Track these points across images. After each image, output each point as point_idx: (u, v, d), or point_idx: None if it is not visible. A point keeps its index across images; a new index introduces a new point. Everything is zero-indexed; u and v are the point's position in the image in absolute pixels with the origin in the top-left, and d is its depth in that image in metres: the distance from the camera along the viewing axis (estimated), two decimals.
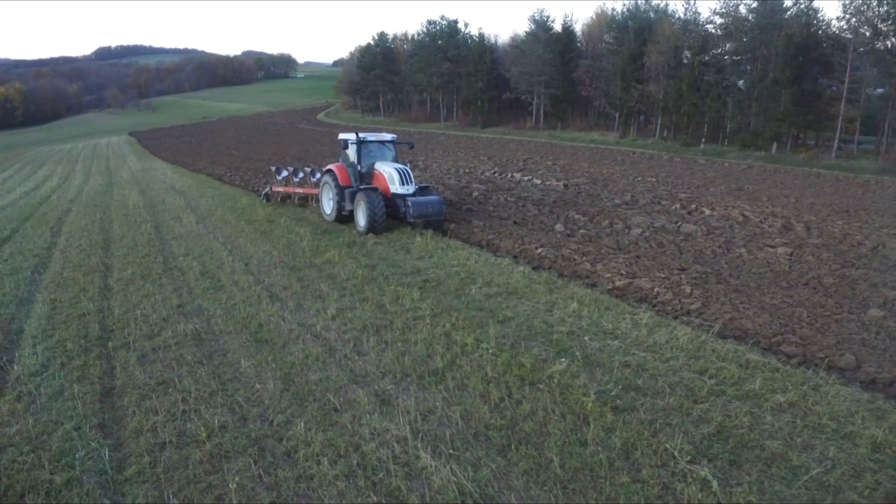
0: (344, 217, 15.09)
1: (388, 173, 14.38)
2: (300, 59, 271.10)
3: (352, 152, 15.39)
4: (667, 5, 44.99)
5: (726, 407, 6.17)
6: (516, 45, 55.06)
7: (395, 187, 14.15)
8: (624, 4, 49.69)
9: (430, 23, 64.68)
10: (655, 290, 9.83)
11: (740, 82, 35.74)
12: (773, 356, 7.56)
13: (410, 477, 5.10)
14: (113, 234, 15.86)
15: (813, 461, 5.25)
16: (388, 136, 16.00)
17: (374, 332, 8.28)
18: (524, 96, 51.68)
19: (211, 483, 5.10)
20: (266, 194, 19.48)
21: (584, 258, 11.65)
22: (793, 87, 31.29)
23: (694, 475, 5.00)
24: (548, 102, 50.23)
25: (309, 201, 18.72)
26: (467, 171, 26.50)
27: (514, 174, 24.48)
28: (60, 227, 17.54)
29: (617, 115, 44.73)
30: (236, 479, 5.06)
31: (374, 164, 15.05)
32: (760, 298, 9.50)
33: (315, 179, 18.56)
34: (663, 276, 10.55)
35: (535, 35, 50.14)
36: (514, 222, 15.19)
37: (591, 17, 57.28)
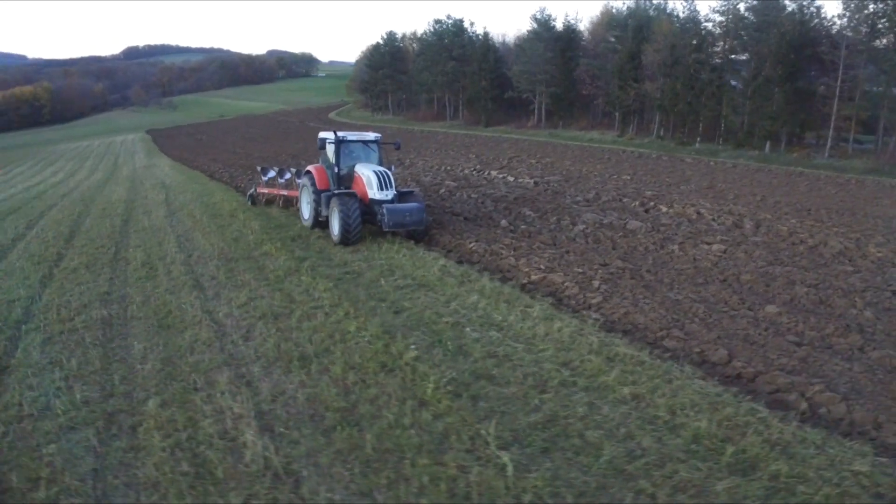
0: (321, 223, 13.81)
1: (367, 176, 13.04)
2: (325, 58, 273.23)
3: (330, 153, 14.12)
4: (666, 4, 44.51)
5: (569, 398, 6.30)
6: (517, 43, 54.97)
7: (373, 192, 12.81)
8: (624, 3, 49.17)
9: (436, 22, 65.13)
10: (566, 284, 9.95)
11: (734, 82, 35.21)
12: (653, 349, 7.64)
13: (227, 451, 5.39)
14: (82, 227, 16.50)
15: (623, 451, 5.35)
16: (371, 136, 14.63)
17: (271, 319, 8.59)
18: (525, 95, 51.65)
19: (45, 451, 5.45)
20: (251, 196, 18.36)
21: (513, 253, 11.79)
22: (785, 85, 30.75)
23: (496, 460, 5.18)
24: (549, 101, 50.15)
25: (294, 204, 17.20)
26: (449, 168, 26.70)
27: (492, 172, 24.62)
28: (38, 221, 18.27)
29: (617, 114, 44.50)
30: (55, 446, 5.43)
31: (354, 166, 13.75)
32: (666, 294, 9.55)
33: (300, 181, 16.45)
34: (581, 271, 10.65)
35: (536, 34, 50.08)
36: (465, 218, 15.37)
37: (597, 16, 56.93)
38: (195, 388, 6.60)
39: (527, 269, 10.76)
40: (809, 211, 16.70)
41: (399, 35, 77.19)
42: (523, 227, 14.09)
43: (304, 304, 9.17)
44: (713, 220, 15.27)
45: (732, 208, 16.54)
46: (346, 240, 12.54)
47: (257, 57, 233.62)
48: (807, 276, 10.62)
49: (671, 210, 16.39)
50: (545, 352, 7.39)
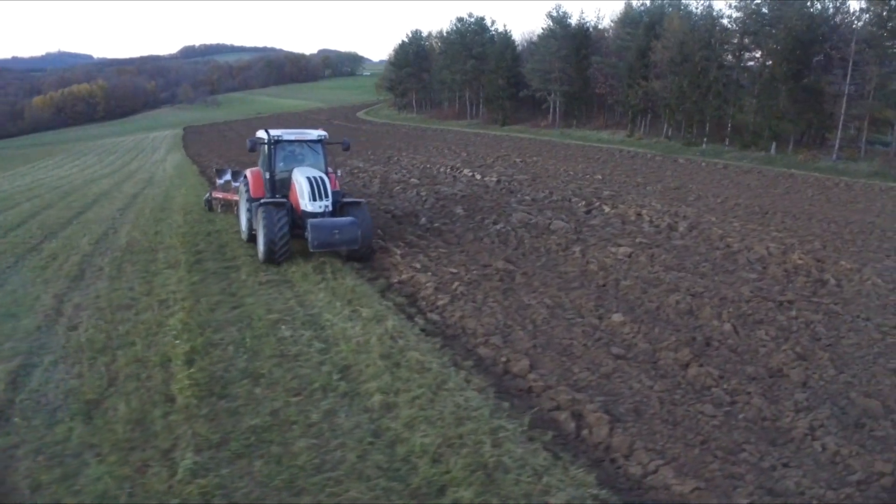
0: (255, 236, 11.49)
1: (300, 184, 11.07)
2: (375, 58, 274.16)
3: (265, 155, 12.06)
4: (679, 1, 42.50)
5: (316, 403, 6.09)
6: (531, 40, 53.98)
7: (304, 202, 10.83)
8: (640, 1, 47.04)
9: (458, 20, 64.75)
10: (427, 284, 9.67)
11: (742, 82, 33.41)
12: (458, 357, 7.29)
13: None
14: (35, 217, 17.14)
15: (317, 463, 5.10)
16: (313, 135, 12.35)
17: (113, 311, 8.67)
18: (539, 94, 50.69)
19: None
20: (207, 200, 16.60)
21: (405, 249, 11.56)
22: (790, 82, 28.91)
23: (177, 462, 5.03)
24: (563, 101, 49.02)
25: None
26: (427, 167, 26.49)
27: (466, 170, 24.26)
28: (5, 212, 19.08)
29: (630, 113, 43.09)
30: None
31: (293, 170, 11.67)
32: (521, 298, 9.12)
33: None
34: (454, 271, 10.31)
35: (551, 31, 49.05)
36: (392, 216, 15.20)
37: (619, 14, 55.20)
38: None
39: (402, 268, 10.50)
40: (766, 214, 15.67)
41: (425, 34, 77.28)
42: (437, 224, 13.80)
43: (155, 296, 9.24)
44: (650, 221, 14.53)
45: (681, 210, 15.69)
46: (272, 258, 10.70)
47: (304, 56, 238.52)
48: (697, 283, 9.92)
49: (613, 211, 15.70)
50: (338, 354, 7.18)
